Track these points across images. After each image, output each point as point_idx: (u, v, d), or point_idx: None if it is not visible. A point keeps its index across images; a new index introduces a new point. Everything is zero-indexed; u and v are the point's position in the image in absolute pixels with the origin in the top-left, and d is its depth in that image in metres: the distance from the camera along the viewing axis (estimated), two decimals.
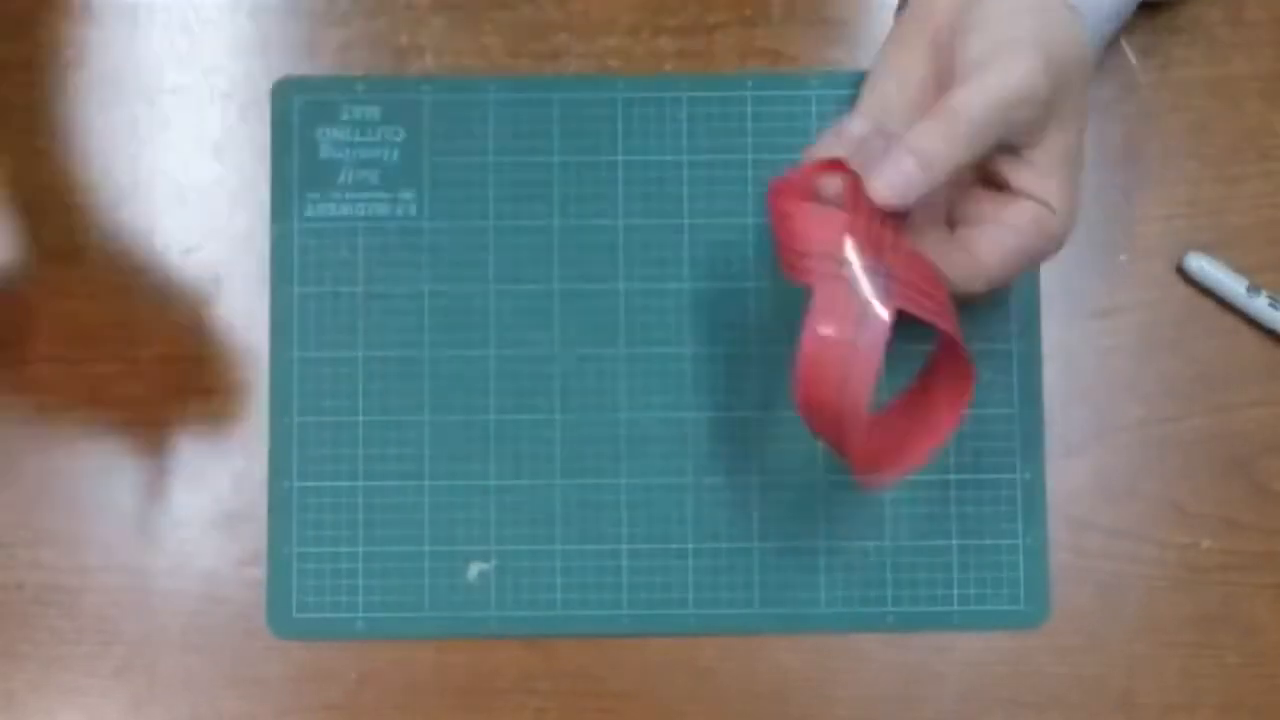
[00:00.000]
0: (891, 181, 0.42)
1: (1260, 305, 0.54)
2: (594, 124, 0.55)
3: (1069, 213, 0.46)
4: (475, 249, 0.55)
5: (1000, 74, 0.42)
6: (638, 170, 0.55)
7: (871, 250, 0.41)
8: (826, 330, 0.40)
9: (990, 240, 0.45)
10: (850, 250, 0.40)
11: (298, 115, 0.55)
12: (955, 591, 0.54)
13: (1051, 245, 0.46)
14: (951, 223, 0.48)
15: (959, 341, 0.43)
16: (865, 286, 0.40)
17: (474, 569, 0.54)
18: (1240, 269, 0.54)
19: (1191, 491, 0.54)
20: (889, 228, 0.42)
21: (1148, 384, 0.55)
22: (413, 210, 0.55)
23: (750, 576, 0.54)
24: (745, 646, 0.54)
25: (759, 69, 0.55)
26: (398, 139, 0.55)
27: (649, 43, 0.56)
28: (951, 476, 0.54)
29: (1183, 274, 0.55)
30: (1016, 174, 0.45)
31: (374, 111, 0.55)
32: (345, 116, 0.55)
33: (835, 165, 0.43)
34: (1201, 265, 0.54)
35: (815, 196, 0.43)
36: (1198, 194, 0.55)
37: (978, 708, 0.54)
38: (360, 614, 0.54)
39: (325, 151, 0.55)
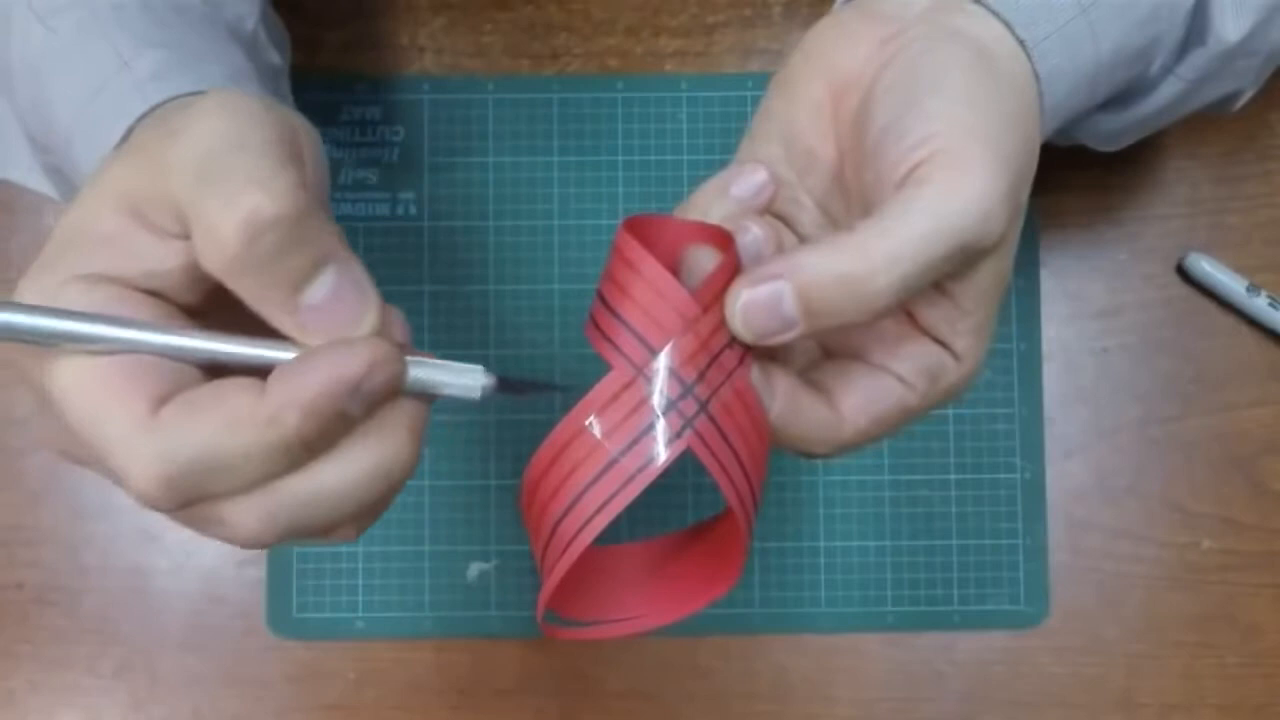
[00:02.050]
0: (752, 315, 0.30)
1: (1260, 305, 0.54)
2: (594, 124, 0.55)
3: (976, 365, 0.33)
4: (475, 249, 0.55)
5: (942, 205, 0.29)
6: (637, 170, 0.55)
7: (698, 366, 0.30)
8: (592, 426, 0.31)
9: (863, 395, 0.33)
10: (669, 354, 0.30)
11: None
12: (955, 591, 0.54)
13: (942, 404, 0.34)
14: (825, 344, 0.35)
15: (742, 530, 0.32)
16: (663, 405, 0.30)
17: (474, 569, 0.54)
18: (1240, 269, 0.54)
19: (1191, 491, 0.54)
20: (735, 350, 0.31)
21: (1148, 384, 0.55)
22: (413, 210, 0.55)
23: (750, 576, 0.54)
24: (745, 646, 0.54)
25: (759, 69, 0.55)
26: (398, 139, 0.55)
27: (649, 43, 0.56)
28: (952, 476, 0.54)
29: (1183, 274, 0.55)
30: (925, 306, 0.32)
31: (374, 111, 0.55)
32: (345, 116, 0.55)
33: (722, 238, 0.33)
34: (1201, 265, 0.54)
35: (678, 261, 0.33)
36: (1197, 194, 0.55)
37: (978, 708, 0.54)
38: (360, 614, 0.54)
39: (325, 152, 0.55)
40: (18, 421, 0.54)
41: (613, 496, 0.30)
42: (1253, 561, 0.54)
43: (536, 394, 0.31)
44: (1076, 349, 0.55)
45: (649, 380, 0.30)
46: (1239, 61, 0.39)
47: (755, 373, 0.32)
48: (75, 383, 0.27)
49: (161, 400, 0.26)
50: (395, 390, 0.28)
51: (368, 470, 0.28)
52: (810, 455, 0.34)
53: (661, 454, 0.30)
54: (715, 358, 0.31)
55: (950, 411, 0.54)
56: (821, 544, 0.54)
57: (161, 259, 0.28)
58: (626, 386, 0.30)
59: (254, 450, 0.26)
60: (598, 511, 0.30)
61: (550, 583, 0.31)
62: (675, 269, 0.33)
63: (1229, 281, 0.54)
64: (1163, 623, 0.54)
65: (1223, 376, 0.55)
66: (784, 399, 0.32)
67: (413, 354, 0.29)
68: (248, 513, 0.27)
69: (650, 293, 0.31)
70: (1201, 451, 0.55)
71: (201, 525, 0.28)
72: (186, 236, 0.27)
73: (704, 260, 0.32)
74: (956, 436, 0.54)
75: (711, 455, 0.31)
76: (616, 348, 0.31)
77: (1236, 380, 0.55)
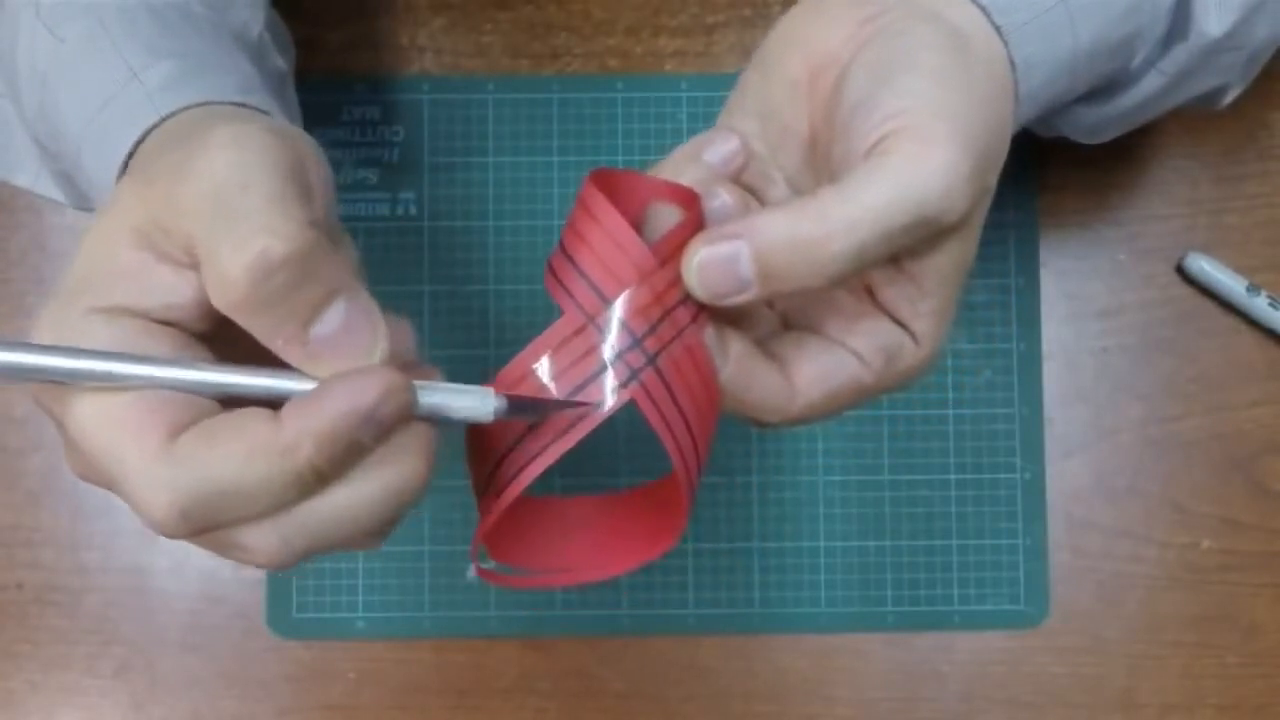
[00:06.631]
0: (708, 274, 0.30)
1: (1260, 305, 0.54)
2: (594, 124, 0.55)
3: (934, 349, 0.33)
4: (475, 249, 0.55)
5: (904, 176, 0.29)
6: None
7: (649, 319, 0.30)
8: (540, 369, 0.31)
9: (818, 368, 0.33)
10: (622, 304, 0.30)
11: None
12: (955, 591, 0.54)
13: (898, 386, 0.34)
14: (784, 315, 0.35)
15: (684, 488, 0.32)
16: (610, 356, 0.30)
17: (474, 569, 0.54)
18: (1240, 269, 0.54)
19: (1191, 491, 0.54)
20: (689, 308, 0.31)
21: (1148, 384, 0.55)
22: (413, 210, 0.55)
23: (750, 576, 0.54)
24: (745, 646, 0.54)
25: None
26: (398, 139, 0.55)
27: (649, 43, 0.56)
28: (952, 476, 0.54)
29: (1183, 274, 0.55)
30: (886, 284, 0.32)
31: (374, 111, 0.55)
32: (345, 116, 0.55)
33: (687, 197, 0.33)
34: (1201, 265, 0.54)
35: (640, 216, 0.33)
36: (1197, 194, 0.55)
37: (978, 708, 0.54)
38: (360, 614, 0.54)
39: (325, 152, 0.55)
40: (18, 421, 0.54)
41: (555, 440, 0.30)
42: (1253, 561, 0.54)
43: (551, 412, 0.31)
44: (1076, 349, 0.55)
45: (599, 329, 0.31)
46: (1222, 57, 0.39)
47: (710, 334, 0.32)
48: (92, 417, 0.27)
49: (177, 432, 0.27)
50: (406, 418, 0.28)
51: (380, 493, 0.28)
52: (760, 424, 0.34)
53: (605, 403, 0.30)
54: (668, 313, 0.31)
55: (950, 411, 0.54)
56: (821, 544, 0.54)
57: (178, 292, 0.28)
58: (577, 333, 0.31)
59: (269, 479, 0.26)
60: (539, 454, 0.31)
61: (487, 521, 0.31)
62: (639, 225, 0.33)
63: (1229, 281, 0.54)
64: (1163, 623, 0.54)
65: (1223, 376, 0.55)
66: (737, 363, 0.32)
67: (423, 375, 0.29)
68: (264, 538, 0.28)
69: (608, 243, 0.31)
70: (1201, 451, 0.55)
71: (219, 550, 0.29)
72: (198, 268, 0.28)
73: (667, 218, 0.33)
74: (956, 436, 0.54)
75: (655, 409, 0.31)
76: (569, 294, 0.31)
77: (1236, 380, 0.55)
